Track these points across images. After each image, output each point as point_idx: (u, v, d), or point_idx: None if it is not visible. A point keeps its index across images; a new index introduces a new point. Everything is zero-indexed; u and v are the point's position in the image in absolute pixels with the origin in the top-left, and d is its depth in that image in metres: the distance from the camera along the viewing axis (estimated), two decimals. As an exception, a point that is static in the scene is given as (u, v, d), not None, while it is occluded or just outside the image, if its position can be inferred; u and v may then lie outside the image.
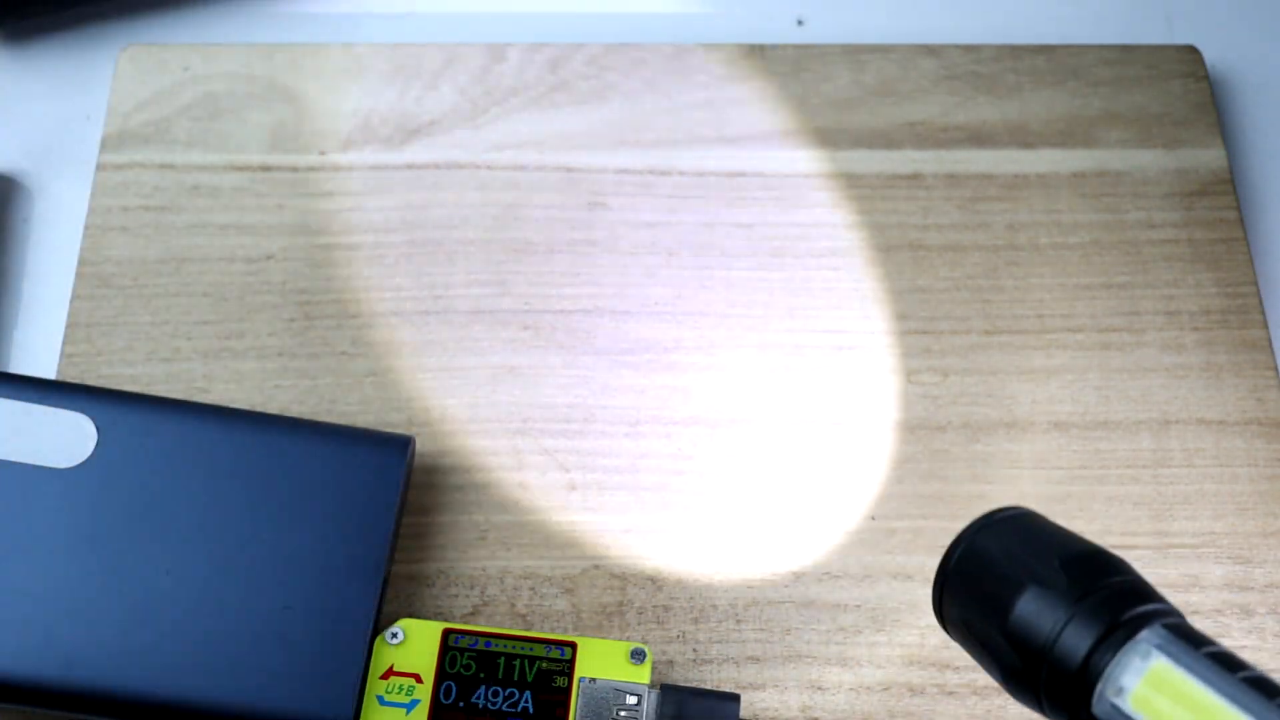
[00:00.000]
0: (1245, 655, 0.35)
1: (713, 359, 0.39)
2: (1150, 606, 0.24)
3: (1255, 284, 0.40)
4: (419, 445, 0.38)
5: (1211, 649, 0.23)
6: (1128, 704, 0.22)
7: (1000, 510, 0.26)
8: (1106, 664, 0.23)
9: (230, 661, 0.32)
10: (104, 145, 0.42)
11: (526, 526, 0.37)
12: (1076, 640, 0.23)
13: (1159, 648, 0.23)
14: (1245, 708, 0.21)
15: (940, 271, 0.41)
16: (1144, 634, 0.23)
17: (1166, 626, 0.23)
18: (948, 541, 0.36)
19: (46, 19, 0.46)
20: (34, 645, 0.32)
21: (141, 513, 0.34)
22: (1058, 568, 0.24)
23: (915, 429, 0.38)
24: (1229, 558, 0.36)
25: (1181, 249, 0.41)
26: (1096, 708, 0.23)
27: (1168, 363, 0.39)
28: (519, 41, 0.44)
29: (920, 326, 0.40)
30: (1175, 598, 0.36)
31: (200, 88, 0.43)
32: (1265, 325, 0.40)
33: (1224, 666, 0.22)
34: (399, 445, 0.35)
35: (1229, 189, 0.42)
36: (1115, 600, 0.24)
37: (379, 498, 0.35)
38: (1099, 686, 0.23)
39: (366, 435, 0.36)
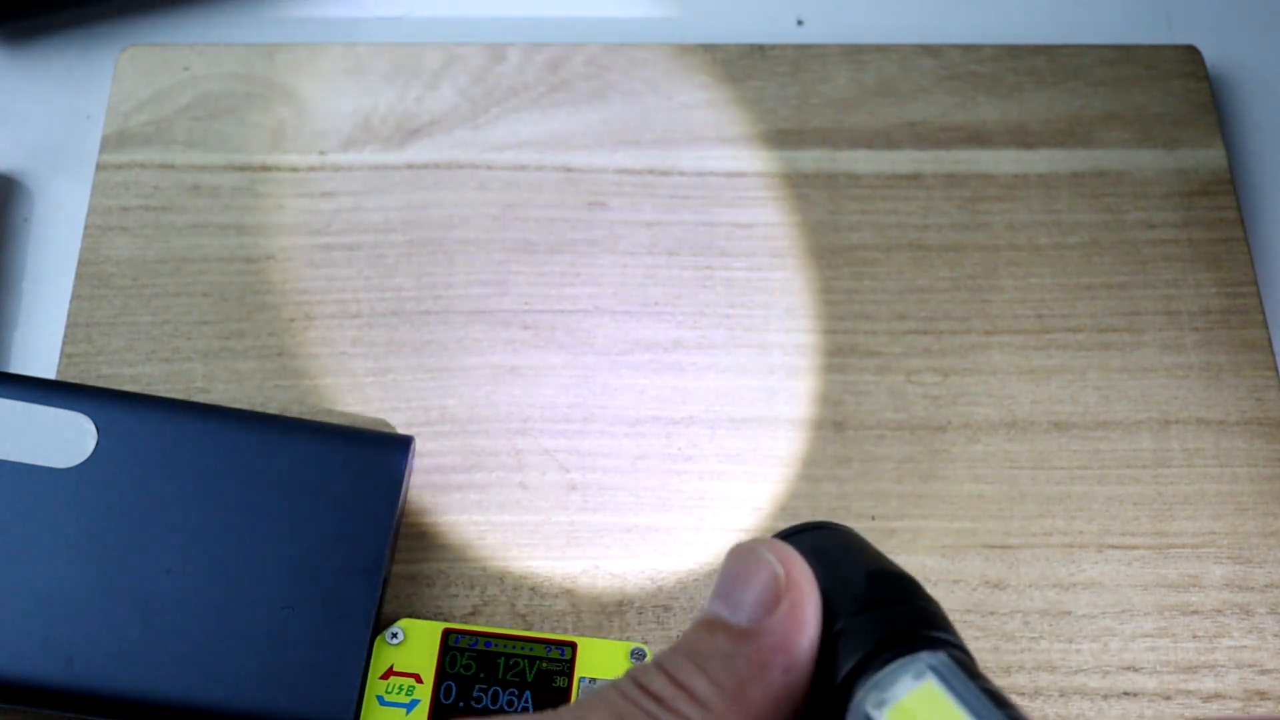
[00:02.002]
0: (1245, 655, 0.35)
1: (713, 359, 0.39)
2: (938, 634, 0.22)
3: (1255, 284, 0.40)
4: (419, 445, 0.38)
5: (986, 684, 0.21)
6: (883, 715, 0.21)
7: (816, 524, 0.25)
8: (874, 671, 0.21)
9: (230, 662, 0.32)
10: (104, 145, 0.42)
11: (526, 526, 0.37)
12: (852, 645, 0.21)
13: (933, 669, 0.21)
14: None
15: (940, 271, 0.41)
16: (923, 654, 0.21)
17: (949, 655, 0.21)
18: (948, 541, 0.37)
19: (46, 19, 0.46)
20: (34, 645, 0.32)
21: (141, 513, 0.34)
22: (862, 580, 0.22)
23: (915, 429, 0.38)
24: (1229, 558, 0.36)
25: (1181, 249, 0.41)
26: (850, 716, 0.21)
27: (1168, 363, 0.39)
28: (519, 41, 0.44)
29: (920, 326, 0.40)
30: (1175, 598, 0.36)
31: (200, 88, 0.43)
32: (1265, 325, 0.40)
33: (993, 701, 0.21)
34: (399, 445, 0.35)
35: (1229, 189, 0.42)
36: (903, 619, 0.22)
37: (379, 498, 0.35)
38: (859, 693, 0.21)
39: (366, 435, 0.36)
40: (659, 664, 0.21)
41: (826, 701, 0.21)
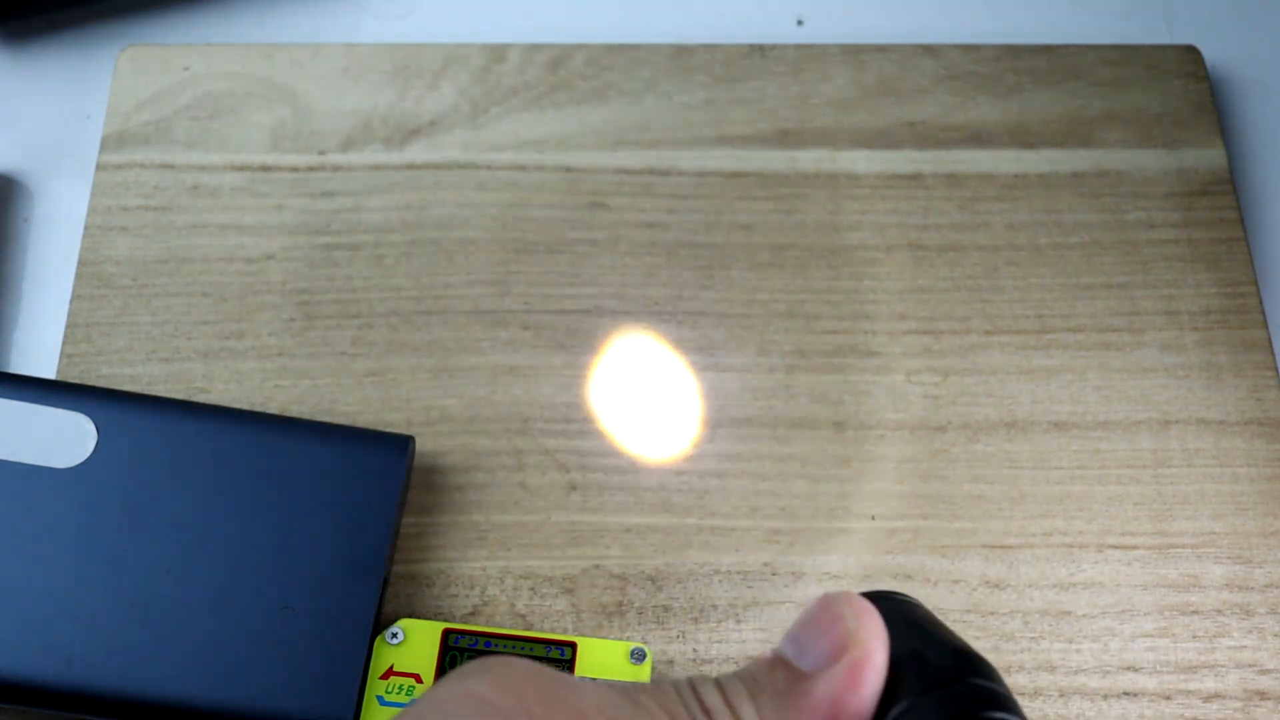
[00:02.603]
0: (1245, 655, 0.35)
1: (713, 359, 0.39)
2: (1003, 716, 0.22)
3: (1255, 284, 0.40)
4: (419, 445, 0.38)
5: None
6: None
7: (897, 594, 0.25)
8: None
9: (230, 661, 0.32)
10: (104, 145, 0.42)
11: (526, 526, 0.37)
12: (925, 715, 0.21)
13: None
14: None
15: (940, 271, 0.41)
16: None
17: None
18: (948, 541, 0.37)
19: (46, 19, 0.46)
20: (34, 645, 0.32)
21: (141, 513, 0.34)
22: (935, 656, 0.22)
23: (915, 429, 0.38)
24: (1229, 558, 0.36)
25: (1181, 249, 0.41)
26: None
27: (1168, 363, 0.39)
28: (519, 41, 0.44)
29: (920, 326, 0.40)
30: (1175, 598, 0.36)
31: (200, 88, 0.43)
32: (1265, 325, 0.40)
33: None
34: (399, 445, 0.35)
35: (1229, 189, 0.42)
36: (970, 699, 0.22)
37: (379, 498, 0.35)
38: None
39: (366, 435, 0.36)
40: (718, 681, 0.22)
41: None
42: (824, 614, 0.22)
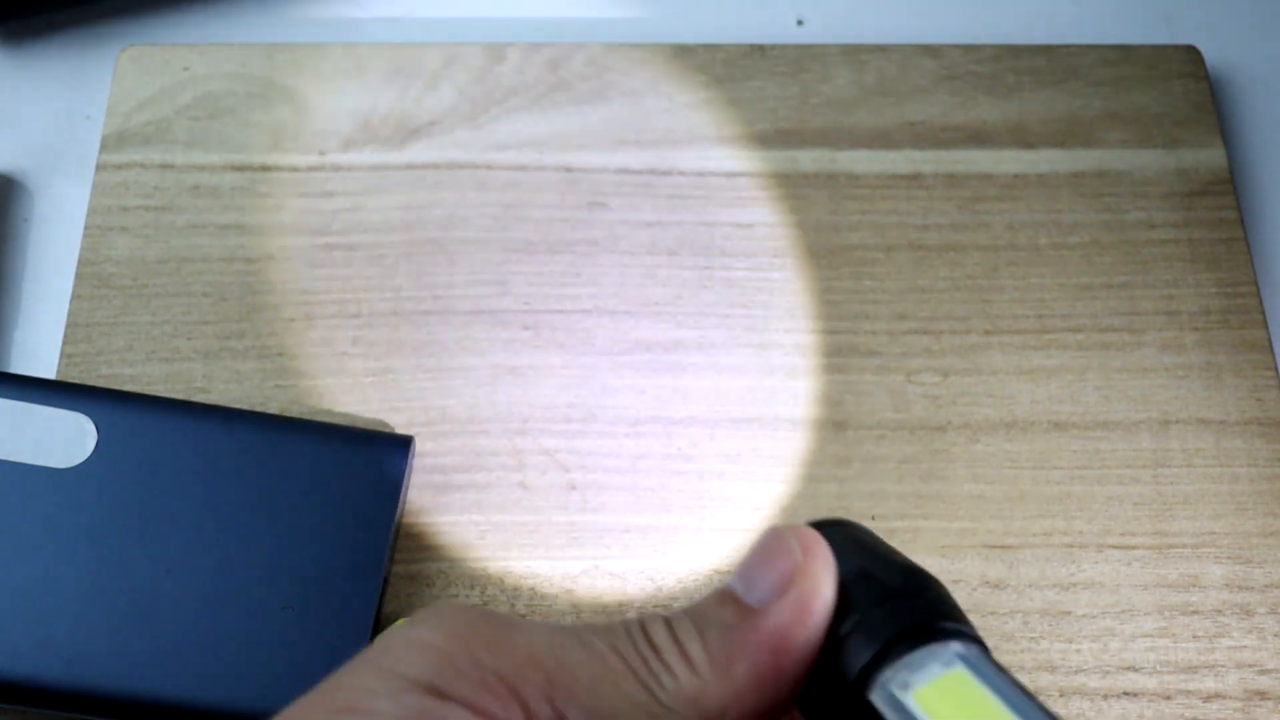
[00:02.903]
0: (1245, 655, 0.35)
1: (713, 359, 0.39)
2: (955, 625, 0.22)
3: (1255, 284, 0.40)
4: (419, 445, 0.38)
5: (1011, 677, 0.21)
6: (909, 697, 0.21)
7: (840, 520, 0.25)
8: (900, 655, 0.21)
9: (230, 662, 0.32)
10: (104, 145, 0.42)
11: (526, 526, 0.37)
12: (870, 636, 0.21)
13: (962, 658, 0.21)
14: None
15: (940, 271, 0.41)
16: (953, 644, 0.21)
17: (979, 647, 0.22)
18: (948, 541, 0.37)
19: (46, 19, 0.46)
20: (34, 645, 0.32)
21: (141, 512, 0.34)
22: (883, 574, 0.23)
23: (915, 429, 0.38)
24: (1229, 558, 0.36)
25: (1181, 249, 0.41)
26: (873, 693, 0.21)
27: (1168, 363, 0.39)
28: (519, 41, 0.44)
29: (920, 326, 0.40)
30: (1175, 598, 0.36)
31: (200, 88, 0.43)
32: (1265, 325, 0.40)
33: (1021, 690, 0.21)
34: (399, 445, 0.35)
35: (1229, 189, 0.42)
36: (921, 612, 0.22)
37: (379, 498, 0.35)
38: (884, 672, 0.21)
39: (366, 435, 0.36)
40: (667, 619, 0.22)
41: (842, 692, 0.22)
42: (771, 547, 0.22)
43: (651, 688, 0.21)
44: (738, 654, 0.21)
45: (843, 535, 0.24)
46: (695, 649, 0.21)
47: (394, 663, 0.20)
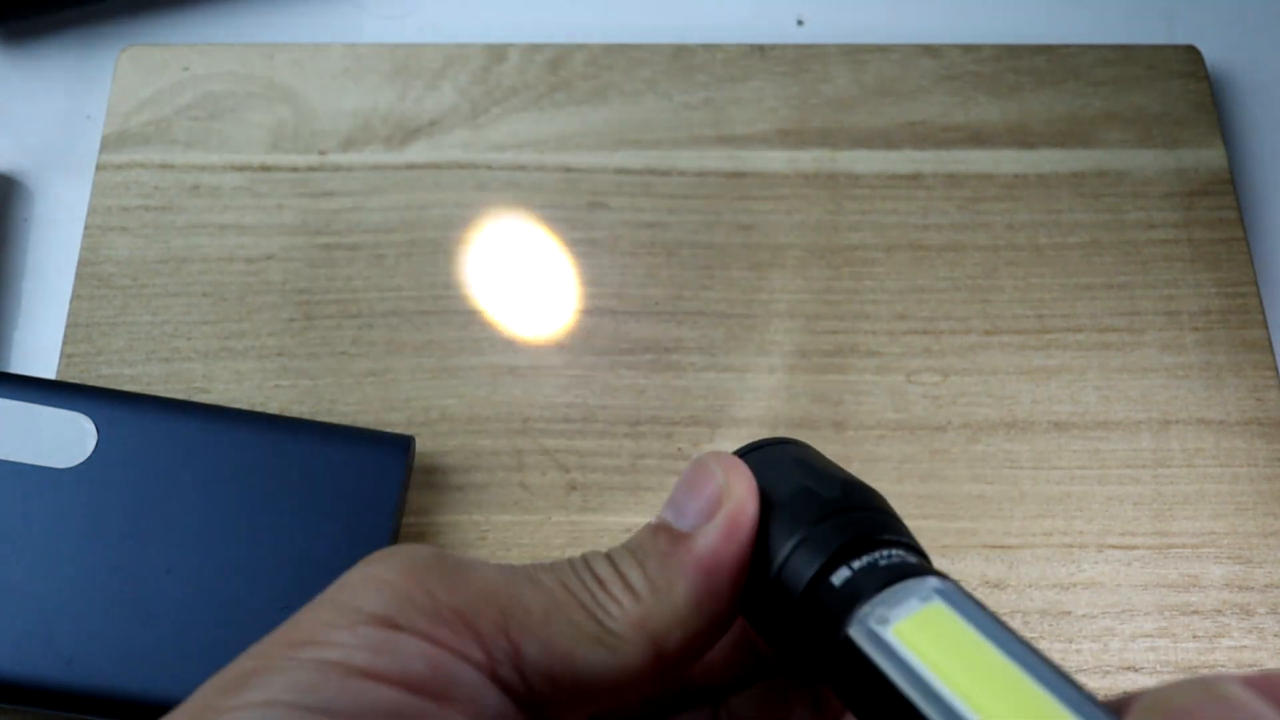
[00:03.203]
0: (1245, 655, 0.35)
1: (713, 359, 0.39)
2: (893, 537, 0.22)
3: (1255, 284, 0.40)
4: (419, 445, 0.37)
5: (991, 612, 0.21)
6: (888, 631, 0.21)
7: (775, 440, 0.25)
8: (875, 589, 0.21)
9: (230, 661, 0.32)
10: (104, 145, 0.42)
11: (526, 526, 0.37)
12: (812, 551, 0.22)
13: (939, 593, 0.21)
14: (1023, 662, 0.20)
15: (940, 271, 0.41)
16: (930, 579, 0.21)
17: (955, 584, 0.22)
18: (948, 541, 0.37)
19: (46, 19, 0.46)
20: (34, 645, 0.32)
21: (141, 512, 0.34)
22: (820, 490, 0.23)
23: (915, 429, 0.38)
24: (1229, 558, 0.36)
25: (1181, 249, 0.41)
26: (852, 628, 0.21)
27: (1168, 363, 0.39)
28: (519, 41, 0.44)
29: (920, 326, 0.40)
30: (1175, 598, 0.36)
31: (200, 88, 0.43)
32: (1265, 325, 0.40)
33: (1001, 624, 0.21)
34: (399, 445, 0.35)
35: (1229, 189, 0.42)
36: (860, 525, 0.22)
37: (379, 498, 0.35)
38: (862, 608, 0.21)
39: (366, 435, 0.36)
40: (608, 554, 0.23)
41: (791, 608, 0.22)
42: (697, 474, 0.24)
43: (599, 616, 0.22)
44: (675, 577, 0.22)
45: (782, 453, 0.25)
46: (636, 577, 0.23)
47: (350, 597, 0.21)
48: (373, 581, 0.21)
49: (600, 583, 0.23)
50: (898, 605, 0.21)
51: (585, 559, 0.23)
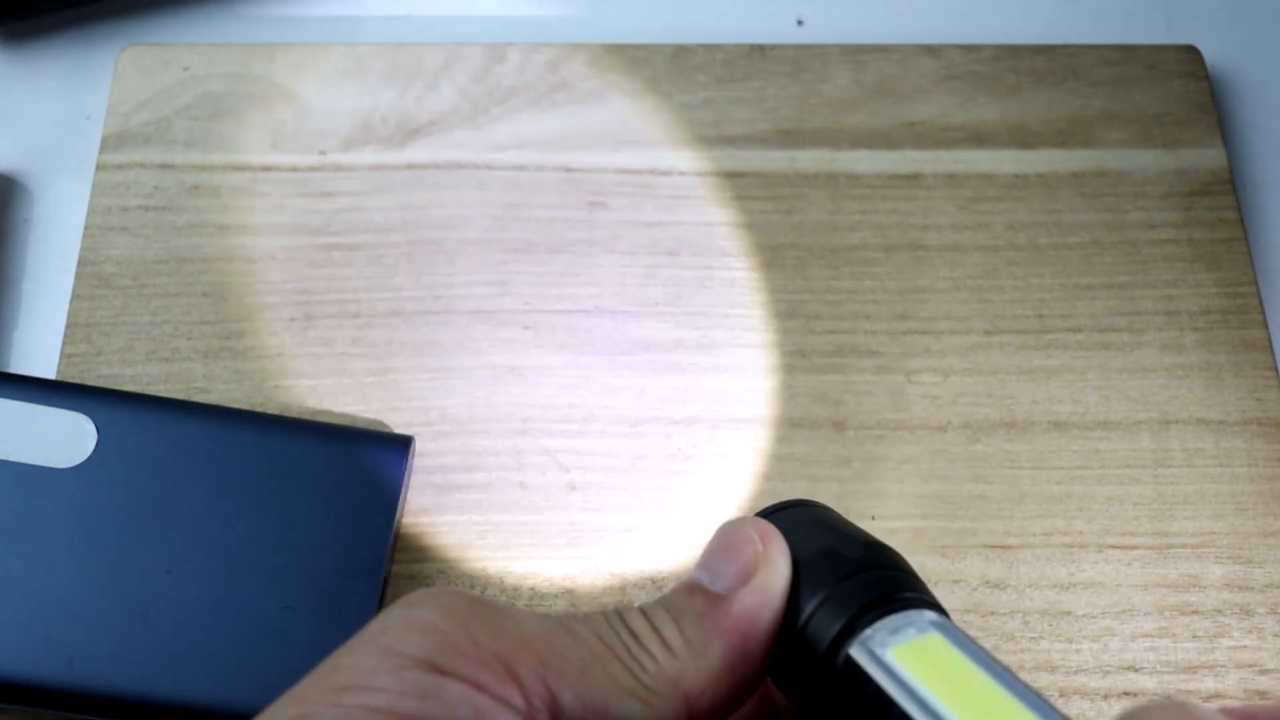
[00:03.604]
0: (1245, 655, 0.35)
1: (713, 359, 0.39)
2: (916, 595, 0.24)
3: (1255, 284, 0.40)
4: (419, 445, 0.38)
5: (985, 649, 0.23)
6: (888, 653, 0.22)
7: (796, 501, 0.26)
8: (877, 619, 0.23)
9: (230, 661, 0.32)
10: (104, 145, 0.42)
11: (526, 526, 0.37)
12: (836, 610, 0.23)
13: (936, 625, 0.23)
14: (1013, 689, 0.21)
15: (940, 271, 0.41)
16: (927, 612, 0.23)
17: (952, 622, 0.23)
18: (948, 541, 0.37)
19: (46, 19, 0.46)
20: (34, 645, 0.32)
21: (141, 513, 0.34)
22: (844, 551, 0.24)
23: (915, 429, 0.38)
24: (1229, 558, 0.36)
25: (1181, 249, 0.41)
26: (853, 649, 0.23)
27: (1168, 363, 0.39)
28: (519, 41, 0.44)
29: (920, 326, 0.40)
30: (1175, 598, 0.36)
31: (200, 88, 0.43)
32: (1265, 325, 0.40)
33: (995, 660, 0.22)
34: (399, 445, 0.35)
35: (1229, 189, 0.42)
36: (883, 584, 0.24)
37: (379, 498, 0.35)
38: (863, 633, 0.23)
39: (366, 435, 0.36)
40: (642, 609, 0.24)
41: (816, 663, 0.23)
42: (731, 540, 0.24)
43: (634, 671, 0.22)
44: (711, 637, 0.23)
45: (804, 515, 0.26)
46: (671, 634, 0.23)
47: (393, 642, 0.21)
48: (415, 624, 0.22)
49: (635, 637, 0.23)
50: (897, 633, 0.23)
51: (619, 612, 0.24)
